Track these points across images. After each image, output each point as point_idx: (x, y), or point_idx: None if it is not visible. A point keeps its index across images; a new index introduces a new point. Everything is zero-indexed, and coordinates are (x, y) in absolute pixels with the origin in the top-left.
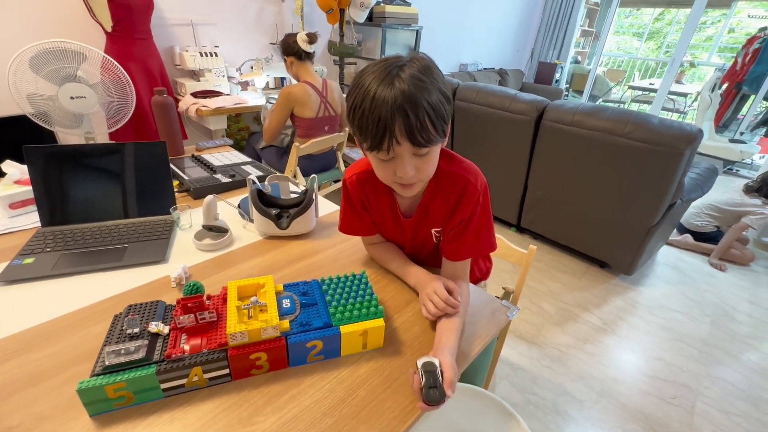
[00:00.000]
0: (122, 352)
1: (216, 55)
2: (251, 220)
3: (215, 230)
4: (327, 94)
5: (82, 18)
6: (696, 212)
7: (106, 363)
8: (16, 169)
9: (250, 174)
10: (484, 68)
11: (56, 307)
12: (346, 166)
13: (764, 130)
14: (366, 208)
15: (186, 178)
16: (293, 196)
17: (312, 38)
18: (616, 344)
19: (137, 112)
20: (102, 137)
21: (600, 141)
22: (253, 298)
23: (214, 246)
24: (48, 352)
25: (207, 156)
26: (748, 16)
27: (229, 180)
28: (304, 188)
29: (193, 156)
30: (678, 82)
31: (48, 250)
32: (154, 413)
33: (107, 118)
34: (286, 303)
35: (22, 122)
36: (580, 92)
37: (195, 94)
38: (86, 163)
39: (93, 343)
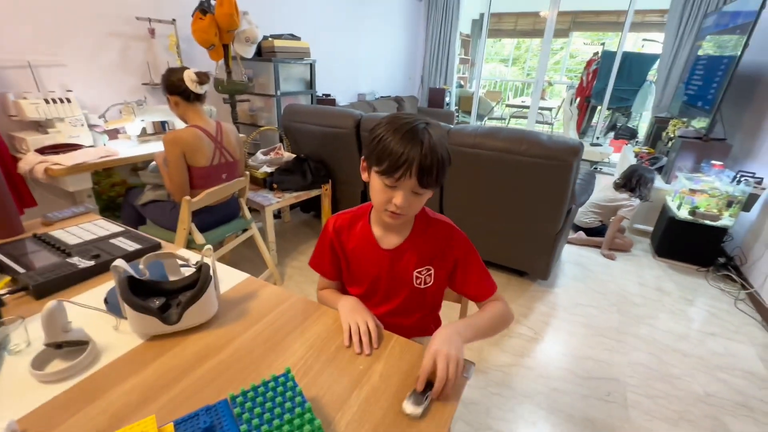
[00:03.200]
0: None
1: (69, 101)
2: (125, 318)
3: (67, 346)
4: (222, 139)
5: None
6: (584, 211)
7: None
8: None
9: (122, 249)
10: (381, 96)
11: None
12: (251, 212)
13: (612, 134)
14: (336, 249)
15: (21, 271)
16: (186, 270)
17: (203, 78)
18: (548, 351)
19: None
20: None
21: (500, 160)
22: None
23: (66, 372)
24: None
25: (59, 233)
26: (583, 43)
27: (91, 263)
28: (196, 262)
29: (35, 236)
30: (542, 98)
31: None
32: None
33: None
34: None
35: None
36: (468, 113)
37: (42, 150)
38: None
39: None
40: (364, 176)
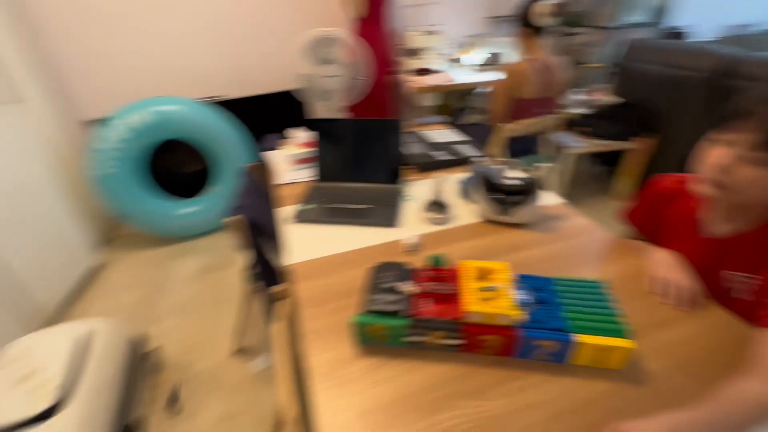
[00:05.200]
0: (384, 301)
1: (436, 33)
2: (473, 202)
3: (439, 205)
4: (550, 74)
5: (332, 5)
6: None
7: (372, 308)
8: (299, 135)
9: (465, 153)
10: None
11: (327, 247)
12: (557, 151)
13: None
14: (654, 211)
15: (410, 152)
16: (508, 182)
17: (556, 10)
18: None
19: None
20: (341, 110)
21: None
22: (494, 285)
23: (438, 220)
24: (324, 281)
25: (424, 133)
26: None
27: (450, 158)
28: (526, 175)
29: (413, 132)
30: None
31: (322, 200)
32: (398, 358)
33: (348, 93)
34: (520, 294)
35: (282, 96)
36: None
37: (411, 72)
38: (348, 133)
39: (352, 284)
40: None
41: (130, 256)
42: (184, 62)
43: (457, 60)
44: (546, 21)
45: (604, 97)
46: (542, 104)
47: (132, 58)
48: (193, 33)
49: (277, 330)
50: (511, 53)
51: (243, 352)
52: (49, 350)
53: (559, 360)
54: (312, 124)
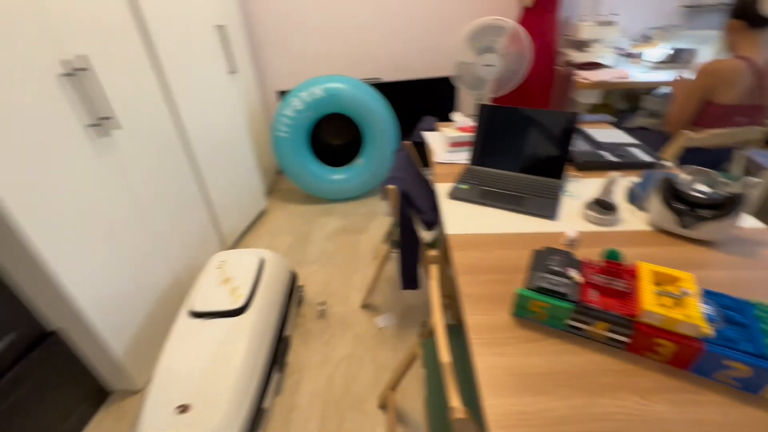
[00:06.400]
0: (551, 281)
1: (610, 24)
2: (642, 208)
3: (605, 206)
4: (766, 78)
5: None
6: None
7: (540, 284)
8: (460, 119)
9: (637, 157)
10: None
11: (481, 225)
12: (750, 171)
13: None
14: None
15: (572, 149)
16: (697, 193)
17: None
18: None
19: (523, 80)
20: (489, 100)
21: None
22: (683, 289)
23: (602, 221)
24: (478, 255)
25: (588, 130)
26: None
27: (617, 160)
28: (727, 190)
29: (577, 129)
30: None
31: (475, 182)
32: (553, 338)
33: (500, 83)
34: (707, 309)
35: (434, 83)
36: None
37: (576, 65)
38: (513, 122)
39: (506, 262)
40: None
41: (286, 207)
42: (355, 46)
43: (632, 55)
44: None
45: None
46: (749, 113)
47: (315, 41)
48: (367, 20)
49: (433, 287)
50: (706, 49)
51: (370, 307)
52: (239, 265)
53: (750, 389)
54: (477, 109)
